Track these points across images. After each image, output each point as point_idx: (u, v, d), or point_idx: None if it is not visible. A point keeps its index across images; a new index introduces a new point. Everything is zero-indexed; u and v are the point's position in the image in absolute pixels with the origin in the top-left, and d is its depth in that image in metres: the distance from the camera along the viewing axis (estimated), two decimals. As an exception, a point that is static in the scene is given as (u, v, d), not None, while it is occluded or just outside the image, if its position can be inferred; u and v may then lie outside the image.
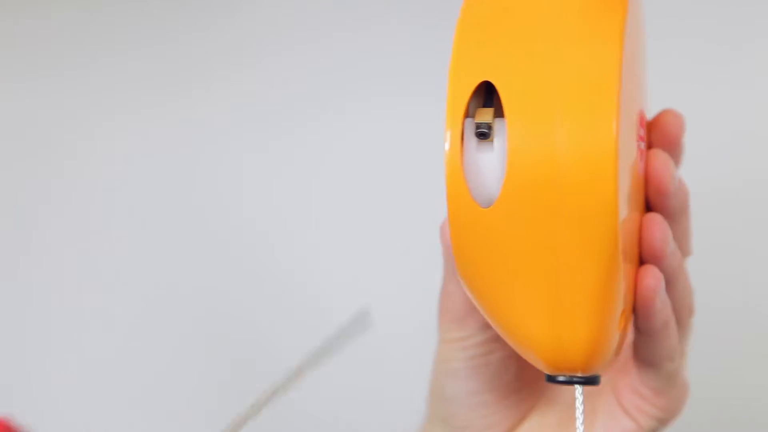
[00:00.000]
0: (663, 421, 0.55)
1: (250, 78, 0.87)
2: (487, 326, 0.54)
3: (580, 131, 0.43)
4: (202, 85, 0.88)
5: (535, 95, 0.44)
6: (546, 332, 0.46)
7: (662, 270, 0.50)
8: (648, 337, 0.52)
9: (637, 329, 0.52)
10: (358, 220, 0.86)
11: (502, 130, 0.45)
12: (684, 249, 0.54)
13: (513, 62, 0.44)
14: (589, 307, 0.45)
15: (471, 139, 0.45)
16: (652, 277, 0.49)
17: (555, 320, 0.45)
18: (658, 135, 0.52)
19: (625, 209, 0.45)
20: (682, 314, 0.53)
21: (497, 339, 0.55)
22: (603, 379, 0.56)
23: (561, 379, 0.47)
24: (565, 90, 0.43)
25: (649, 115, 0.55)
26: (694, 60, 0.82)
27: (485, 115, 0.45)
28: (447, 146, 0.45)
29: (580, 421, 0.48)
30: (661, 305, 0.50)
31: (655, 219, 0.50)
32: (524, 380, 0.57)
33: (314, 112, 0.87)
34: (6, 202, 0.89)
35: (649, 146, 0.53)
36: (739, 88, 0.82)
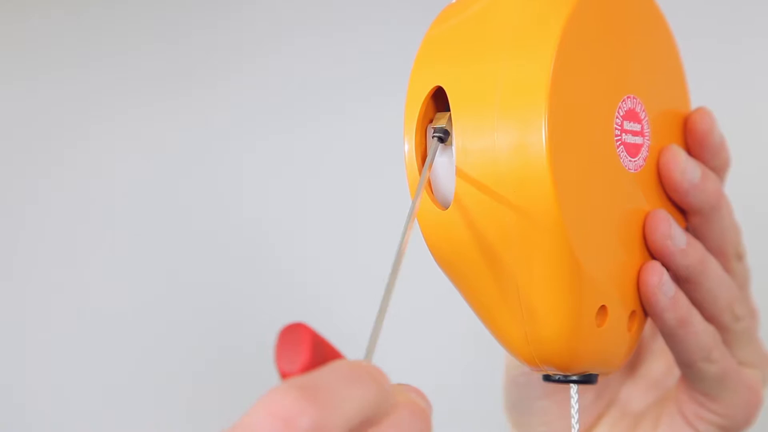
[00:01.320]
0: (727, 429, 0.53)
1: (250, 78, 0.87)
2: None
3: (514, 132, 0.44)
4: (203, 84, 0.88)
5: (476, 99, 0.45)
6: (513, 330, 0.46)
7: (674, 267, 0.50)
8: (669, 338, 0.51)
9: (660, 331, 0.51)
10: (357, 218, 0.86)
11: None
12: (721, 248, 0.52)
13: (460, 69, 0.45)
14: (549, 305, 0.45)
15: (432, 143, 0.46)
16: (650, 273, 0.48)
17: (518, 318, 0.46)
18: (688, 134, 0.52)
19: (592, 206, 0.45)
20: (719, 316, 0.52)
21: None
22: (670, 391, 0.55)
23: (557, 378, 0.47)
24: (502, 93, 0.44)
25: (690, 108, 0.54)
26: (693, 58, 0.82)
27: (442, 119, 0.46)
28: (405, 151, 0.46)
29: (575, 420, 0.48)
30: (669, 303, 0.49)
31: (655, 214, 0.49)
32: (588, 387, 0.56)
33: (314, 112, 0.87)
34: (6, 201, 0.89)
35: (684, 145, 0.52)
36: (740, 86, 0.82)
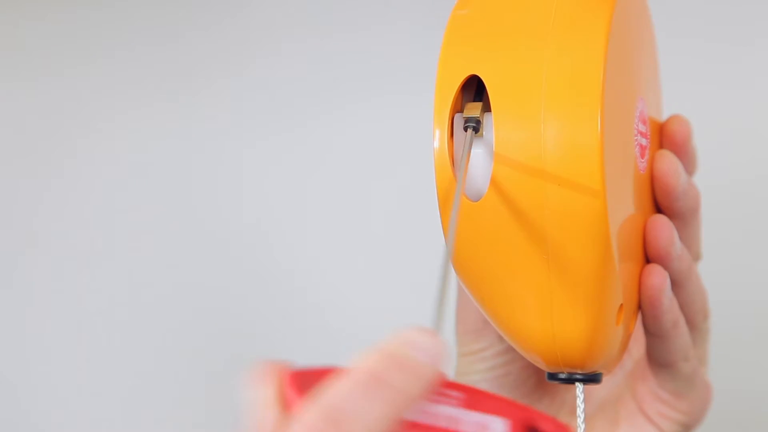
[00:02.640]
0: (687, 426, 0.55)
1: (249, 77, 0.87)
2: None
3: (564, 125, 0.43)
4: (202, 84, 0.88)
5: (520, 89, 0.44)
6: (540, 328, 0.46)
7: (669, 271, 0.50)
8: (659, 339, 0.52)
9: (647, 331, 0.52)
10: (357, 219, 0.86)
11: (490, 125, 0.45)
12: (693, 252, 0.53)
13: (499, 56, 0.45)
14: (582, 302, 0.45)
15: (461, 134, 0.45)
16: (657, 276, 0.49)
17: (548, 315, 0.45)
18: (666, 141, 0.53)
19: (619, 204, 0.45)
20: (694, 317, 0.53)
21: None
22: (624, 387, 0.56)
23: (562, 377, 0.47)
24: (549, 84, 0.44)
25: (662, 115, 0.55)
26: (694, 59, 0.82)
27: (473, 109, 0.45)
28: (435, 142, 0.45)
29: (581, 420, 0.48)
30: (669, 304, 0.50)
31: (660, 220, 0.50)
32: (545, 389, 0.57)
33: (313, 112, 0.87)
34: (6, 202, 0.89)
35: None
36: (740, 87, 0.82)
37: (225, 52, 0.88)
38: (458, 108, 0.46)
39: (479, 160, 0.45)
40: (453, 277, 0.41)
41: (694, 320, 0.53)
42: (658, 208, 0.52)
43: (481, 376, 0.55)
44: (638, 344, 0.56)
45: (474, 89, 0.46)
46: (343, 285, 0.87)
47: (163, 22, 0.88)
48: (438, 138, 0.45)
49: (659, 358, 0.53)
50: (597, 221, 0.43)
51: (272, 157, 0.87)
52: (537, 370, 0.56)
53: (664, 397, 0.54)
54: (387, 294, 0.86)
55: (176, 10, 0.88)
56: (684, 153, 0.53)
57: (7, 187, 0.89)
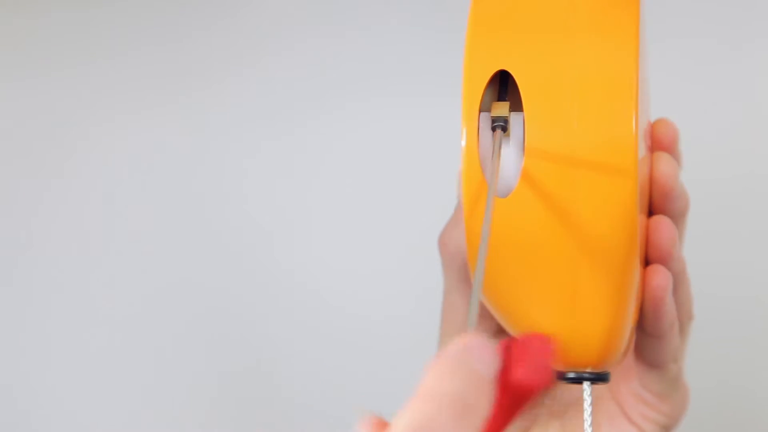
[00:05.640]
0: (667, 428, 0.55)
1: (250, 78, 0.87)
2: (491, 337, 0.54)
3: (599, 122, 0.43)
4: (203, 85, 0.88)
5: (553, 87, 0.44)
6: (561, 324, 0.45)
7: (670, 272, 0.51)
8: (655, 339, 0.52)
9: (644, 331, 0.52)
10: (358, 219, 0.86)
11: (517, 123, 0.45)
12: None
13: (529, 54, 0.44)
14: (607, 299, 0.45)
15: (486, 133, 0.45)
16: (662, 276, 0.50)
17: (571, 312, 0.45)
18: (655, 144, 0.53)
19: (640, 203, 0.46)
20: (682, 318, 0.54)
21: None
22: (604, 389, 0.56)
23: (570, 376, 0.47)
24: (583, 81, 0.44)
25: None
26: (692, 59, 0.82)
27: (502, 109, 0.45)
28: (463, 142, 0.45)
29: (588, 424, 0.48)
30: (670, 305, 0.51)
31: (664, 220, 0.50)
32: None
33: (315, 112, 0.87)
34: (6, 202, 0.89)
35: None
36: (738, 87, 0.82)
37: (226, 53, 0.88)
38: (480, 107, 0.45)
39: (508, 157, 0.45)
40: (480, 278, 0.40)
41: (682, 321, 0.54)
42: (650, 211, 0.53)
43: None
44: None
45: (495, 87, 0.45)
46: (346, 285, 0.87)
47: (164, 22, 0.88)
48: (466, 136, 0.45)
49: (651, 359, 0.53)
50: (627, 220, 0.44)
51: (274, 158, 0.87)
52: None
53: (647, 399, 0.55)
54: (389, 294, 0.86)
55: (177, 11, 0.88)
56: (674, 154, 0.53)
57: (7, 187, 0.89)
